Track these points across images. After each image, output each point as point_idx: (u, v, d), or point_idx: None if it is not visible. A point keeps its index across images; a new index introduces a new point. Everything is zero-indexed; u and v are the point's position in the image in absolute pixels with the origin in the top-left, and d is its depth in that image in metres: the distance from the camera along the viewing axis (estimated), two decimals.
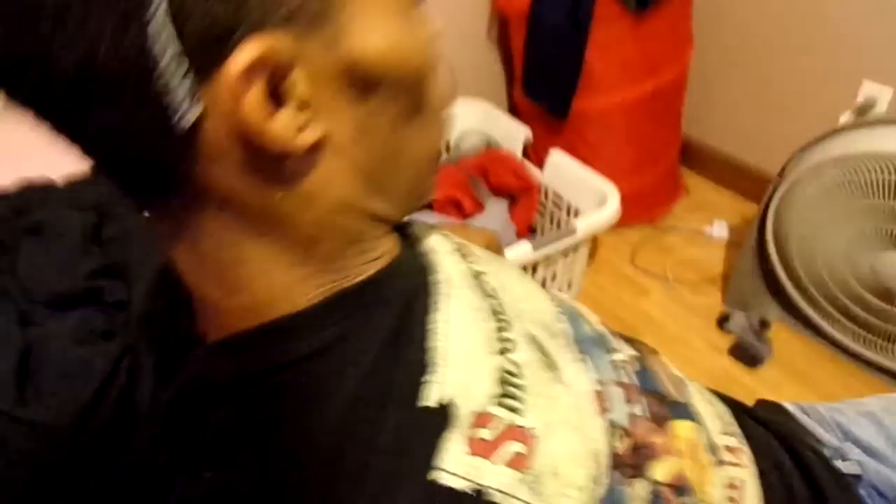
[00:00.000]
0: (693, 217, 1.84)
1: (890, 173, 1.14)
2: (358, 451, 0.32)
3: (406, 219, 0.43)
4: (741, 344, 1.46)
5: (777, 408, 0.69)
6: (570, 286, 1.58)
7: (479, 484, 0.31)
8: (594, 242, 1.76)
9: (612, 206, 1.42)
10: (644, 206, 1.81)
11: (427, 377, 0.34)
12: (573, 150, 1.63)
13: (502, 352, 0.37)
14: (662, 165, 1.80)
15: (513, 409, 0.34)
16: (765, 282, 1.50)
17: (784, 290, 1.45)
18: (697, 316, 1.56)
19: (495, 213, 1.38)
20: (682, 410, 0.50)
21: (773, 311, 1.51)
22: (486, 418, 0.33)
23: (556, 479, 0.34)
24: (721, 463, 0.49)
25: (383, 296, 0.37)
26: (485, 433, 0.33)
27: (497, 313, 0.40)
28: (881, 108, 1.49)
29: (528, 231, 1.60)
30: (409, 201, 0.41)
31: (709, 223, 1.79)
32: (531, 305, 0.45)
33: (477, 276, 0.43)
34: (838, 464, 0.61)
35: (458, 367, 0.35)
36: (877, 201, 1.19)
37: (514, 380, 0.36)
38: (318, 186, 0.34)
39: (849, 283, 1.31)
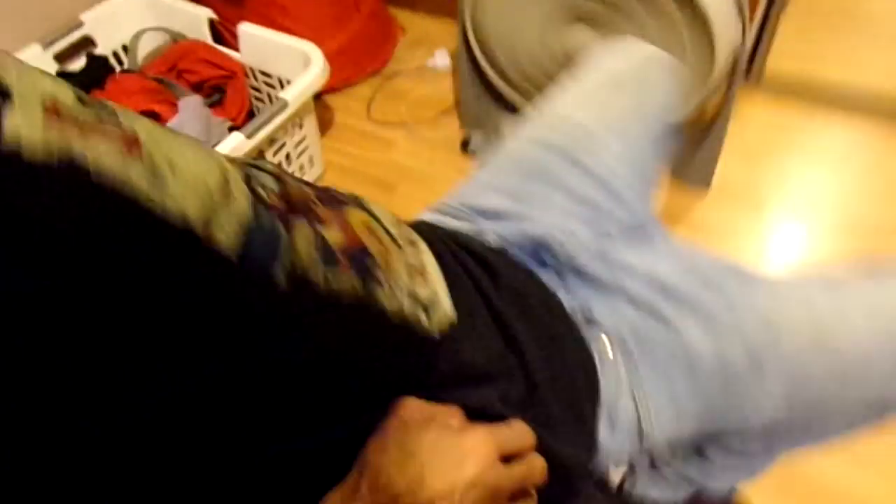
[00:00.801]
0: (416, 55, 1.80)
1: None
2: None
3: None
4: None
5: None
6: (311, 162, 1.50)
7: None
8: (325, 110, 1.68)
9: (316, 66, 1.32)
10: (365, 58, 1.74)
11: None
12: (266, 19, 1.48)
13: None
14: (366, 10, 1.71)
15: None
16: (489, 94, 1.54)
17: (503, 96, 1.49)
18: (443, 149, 1.57)
19: (192, 111, 1.23)
20: (354, 203, 0.49)
21: (504, 120, 1.57)
22: None
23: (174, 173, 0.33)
24: (400, 246, 0.48)
25: None
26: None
27: None
28: None
29: (248, 119, 1.46)
30: None
31: (431, 56, 1.77)
32: None
33: None
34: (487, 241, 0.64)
35: None
36: None
37: None
38: None
39: (548, 66, 1.36)
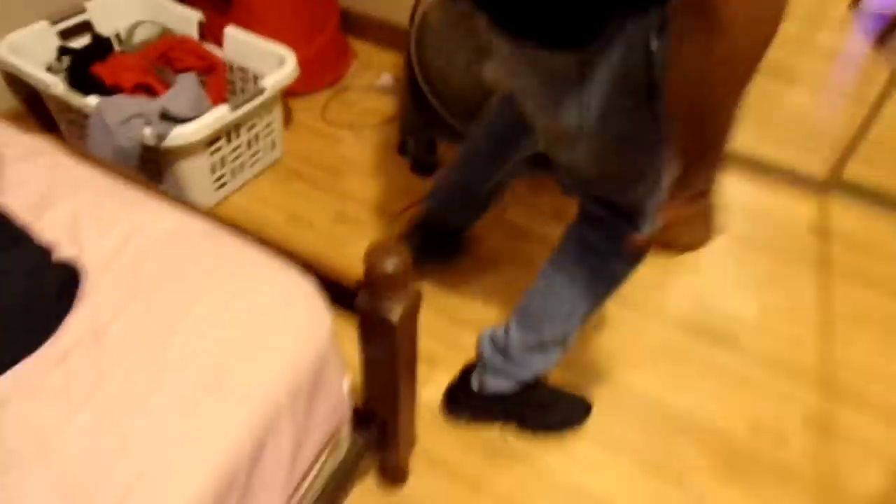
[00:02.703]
0: (365, 75, 2.16)
1: None
2: None
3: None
4: (417, 161, 1.86)
5: None
6: (273, 146, 1.80)
7: None
8: (288, 108, 1.99)
9: (290, 63, 1.66)
10: (322, 73, 2.08)
11: None
12: (245, 27, 1.80)
13: None
14: (328, 33, 2.06)
15: None
16: (424, 110, 1.91)
17: (437, 112, 1.86)
18: (383, 150, 1.92)
19: (188, 84, 1.51)
20: None
21: (435, 132, 1.94)
22: None
23: None
24: None
25: None
26: None
27: None
28: None
29: None
30: None
31: (378, 77, 2.14)
32: None
33: None
34: None
35: None
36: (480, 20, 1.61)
37: None
38: None
39: (472, 90, 1.75)
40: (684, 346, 1.48)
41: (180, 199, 0.93)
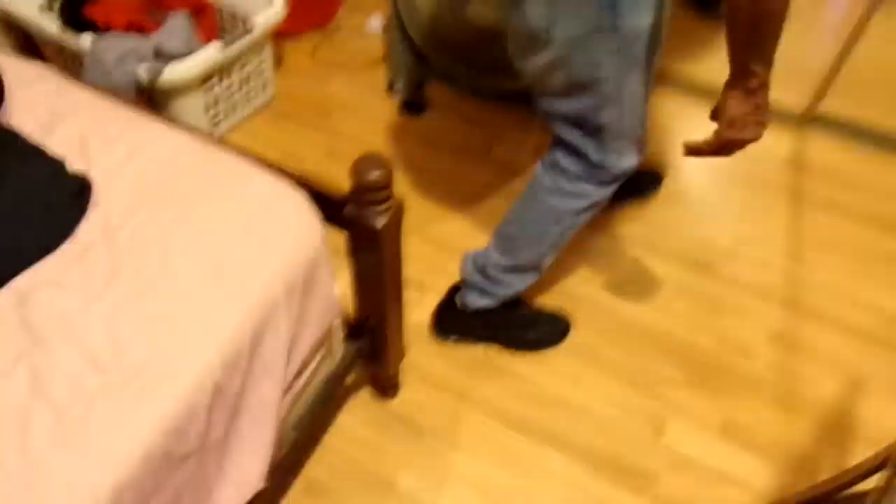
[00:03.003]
0: (354, 17, 2.19)
1: None
2: None
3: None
4: (405, 101, 1.91)
5: None
6: (265, 87, 1.85)
7: None
8: (279, 50, 2.02)
9: (278, 2, 1.69)
10: (313, 14, 2.11)
11: None
12: None
13: None
14: None
15: None
16: (411, 51, 1.94)
17: (422, 53, 1.90)
18: (372, 90, 1.96)
19: (179, 23, 1.55)
20: None
21: (422, 72, 1.98)
22: None
23: None
24: None
25: None
26: None
27: None
28: None
29: None
30: None
31: (367, 19, 2.16)
32: None
33: None
34: None
35: None
36: None
37: None
38: None
39: (456, 32, 1.79)
40: (661, 271, 1.57)
41: (179, 122, 0.99)
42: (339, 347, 1.11)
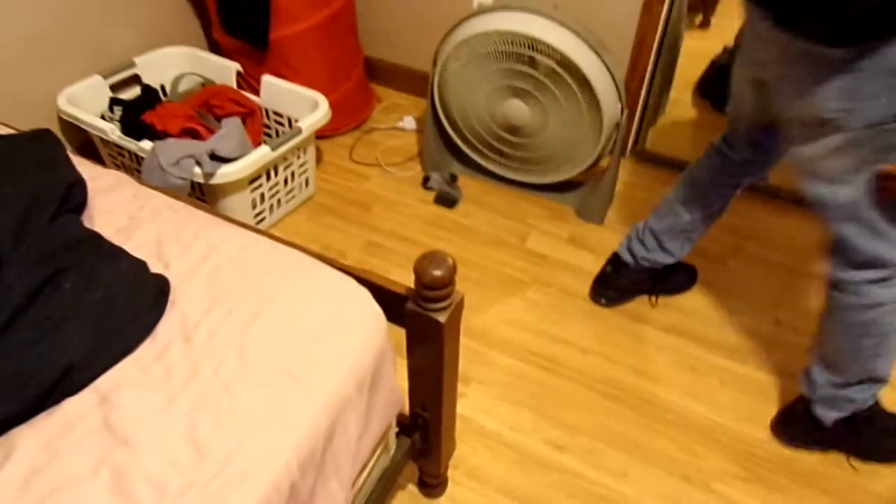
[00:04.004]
0: (388, 118, 2.31)
1: (499, 45, 1.70)
2: None
3: None
4: (440, 194, 1.98)
5: None
6: (307, 184, 1.93)
7: None
8: (318, 150, 2.13)
9: (323, 107, 1.80)
10: (349, 116, 2.23)
11: None
12: (279, 75, 1.95)
13: None
14: (354, 79, 2.21)
15: None
16: (445, 146, 2.04)
17: (458, 148, 1.99)
18: (407, 184, 2.04)
19: (233, 128, 1.65)
20: None
21: (456, 166, 2.07)
22: None
23: None
24: None
25: None
26: None
27: None
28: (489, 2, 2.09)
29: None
30: None
31: (401, 119, 2.28)
32: None
33: None
34: None
35: None
36: (495, 65, 1.75)
37: None
38: None
39: (492, 128, 1.88)
40: None
41: (244, 222, 1.04)
42: (392, 442, 1.11)
